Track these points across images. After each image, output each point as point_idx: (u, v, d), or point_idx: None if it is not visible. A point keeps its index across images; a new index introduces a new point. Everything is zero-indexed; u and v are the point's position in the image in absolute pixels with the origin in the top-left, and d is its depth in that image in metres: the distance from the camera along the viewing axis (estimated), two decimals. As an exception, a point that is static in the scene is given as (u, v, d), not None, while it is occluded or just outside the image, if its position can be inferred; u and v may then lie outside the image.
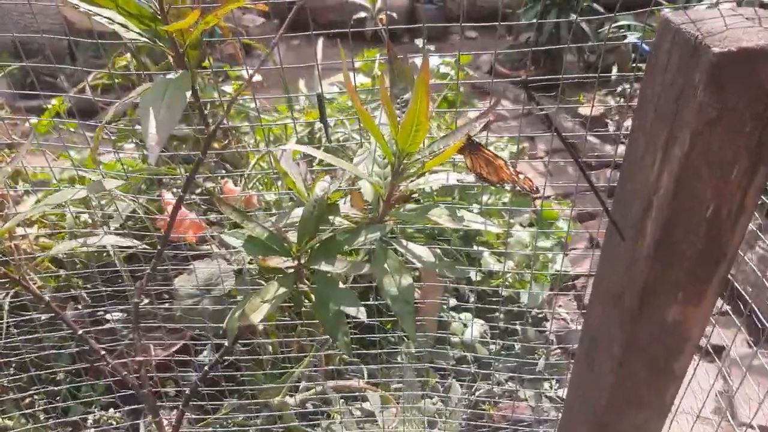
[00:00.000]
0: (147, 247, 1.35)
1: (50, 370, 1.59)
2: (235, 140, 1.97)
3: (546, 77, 0.81)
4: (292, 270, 0.69)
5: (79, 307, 1.65)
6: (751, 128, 0.51)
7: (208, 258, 1.41)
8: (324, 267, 0.66)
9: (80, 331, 0.93)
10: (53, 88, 3.73)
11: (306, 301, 0.88)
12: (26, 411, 1.57)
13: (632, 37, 3.54)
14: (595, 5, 3.72)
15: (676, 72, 0.55)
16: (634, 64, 3.85)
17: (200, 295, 1.33)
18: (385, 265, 0.67)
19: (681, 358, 0.68)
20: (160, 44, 0.66)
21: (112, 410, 1.64)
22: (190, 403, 1.62)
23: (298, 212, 0.70)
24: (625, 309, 0.66)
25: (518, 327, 1.87)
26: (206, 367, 0.89)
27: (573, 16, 3.59)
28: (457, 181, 0.74)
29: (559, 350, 2.04)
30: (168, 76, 0.62)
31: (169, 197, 1.47)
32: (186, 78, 0.62)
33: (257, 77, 2.30)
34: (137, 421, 1.68)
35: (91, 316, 1.65)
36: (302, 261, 0.68)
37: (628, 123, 3.48)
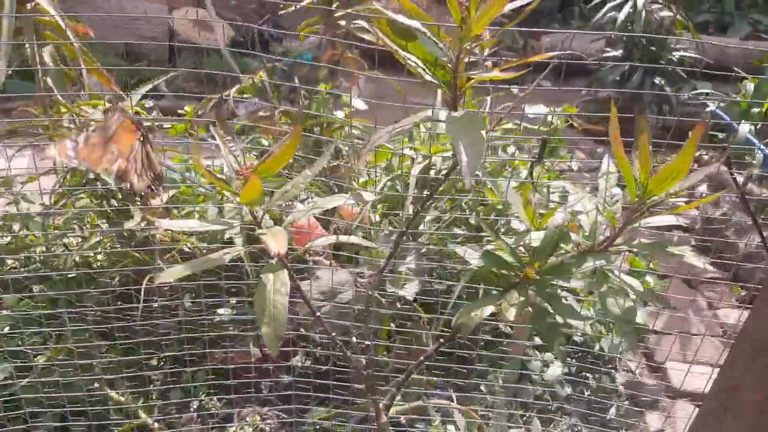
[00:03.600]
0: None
1: (163, 353, 1.72)
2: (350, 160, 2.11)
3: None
4: (517, 282, 0.80)
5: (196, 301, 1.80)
6: None
7: (331, 267, 1.53)
8: (560, 282, 0.77)
9: (317, 313, 1.02)
10: (154, 90, 3.99)
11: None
12: (137, 389, 1.71)
13: (714, 106, 3.61)
14: (678, 70, 3.80)
15: None
16: (711, 132, 3.90)
17: (325, 301, 1.45)
18: (606, 288, 0.78)
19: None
20: (446, 88, 0.80)
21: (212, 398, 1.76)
22: (277, 405, 1.73)
23: (535, 235, 0.83)
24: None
25: (590, 375, 1.93)
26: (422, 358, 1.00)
27: (657, 80, 3.68)
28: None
29: (628, 401, 2.09)
30: (456, 114, 0.76)
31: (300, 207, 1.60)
32: (479, 120, 0.75)
33: (362, 105, 2.46)
34: (232, 410, 1.80)
35: (207, 309, 1.79)
36: (535, 276, 0.80)
37: (702, 189, 3.53)
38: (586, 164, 3.58)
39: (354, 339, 1.10)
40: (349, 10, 2.18)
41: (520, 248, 0.83)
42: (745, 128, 3.42)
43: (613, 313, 0.77)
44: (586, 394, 1.96)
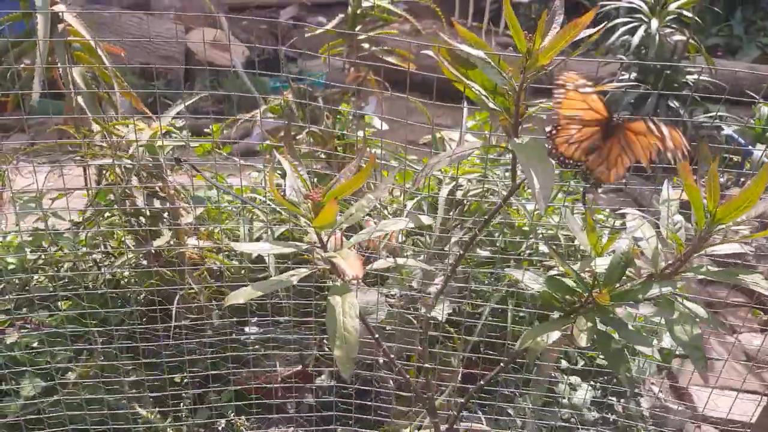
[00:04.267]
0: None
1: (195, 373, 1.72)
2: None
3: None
4: (580, 307, 0.81)
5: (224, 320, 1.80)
6: None
7: (363, 287, 1.54)
8: (630, 309, 0.78)
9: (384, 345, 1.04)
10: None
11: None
12: (165, 408, 1.70)
13: (729, 130, 3.63)
14: (693, 94, 3.82)
15: None
16: (726, 155, 3.91)
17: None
18: (675, 315, 0.79)
19: None
20: (506, 115, 0.81)
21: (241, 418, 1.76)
22: (303, 426, 1.72)
23: (601, 261, 0.84)
24: None
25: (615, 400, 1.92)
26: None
27: (671, 103, 3.71)
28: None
29: (654, 428, 2.07)
30: (520, 141, 0.77)
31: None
32: (544, 148, 0.76)
33: (384, 125, 2.48)
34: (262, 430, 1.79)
35: (232, 327, 1.79)
36: (601, 299, 0.81)
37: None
38: (606, 186, 3.59)
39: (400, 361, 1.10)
40: (375, 33, 2.21)
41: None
42: (759, 152, 3.44)
43: (682, 340, 0.78)
44: (611, 417, 1.94)
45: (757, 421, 1.05)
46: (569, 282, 0.83)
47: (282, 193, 0.81)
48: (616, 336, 0.80)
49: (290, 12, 7.40)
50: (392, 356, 1.01)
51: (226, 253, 1.93)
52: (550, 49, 0.76)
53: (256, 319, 1.86)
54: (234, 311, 1.80)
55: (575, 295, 0.84)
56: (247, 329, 1.80)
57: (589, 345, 0.78)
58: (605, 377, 2.02)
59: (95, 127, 1.77)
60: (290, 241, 1.78)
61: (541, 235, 1.89)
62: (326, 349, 1.94)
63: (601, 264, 0.83)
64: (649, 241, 0.83)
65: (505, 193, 1.79)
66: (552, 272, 0.87)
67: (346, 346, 0.72)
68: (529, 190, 2.00)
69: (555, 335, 0.81)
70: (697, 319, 0.80)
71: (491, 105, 0.80)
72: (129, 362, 1.75)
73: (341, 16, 2.16)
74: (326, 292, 0.91)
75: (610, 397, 1.95)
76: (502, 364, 1.05)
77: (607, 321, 0.80)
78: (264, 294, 0.78)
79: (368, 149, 1.96)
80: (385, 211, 1.93)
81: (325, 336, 1.79)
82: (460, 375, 1.61)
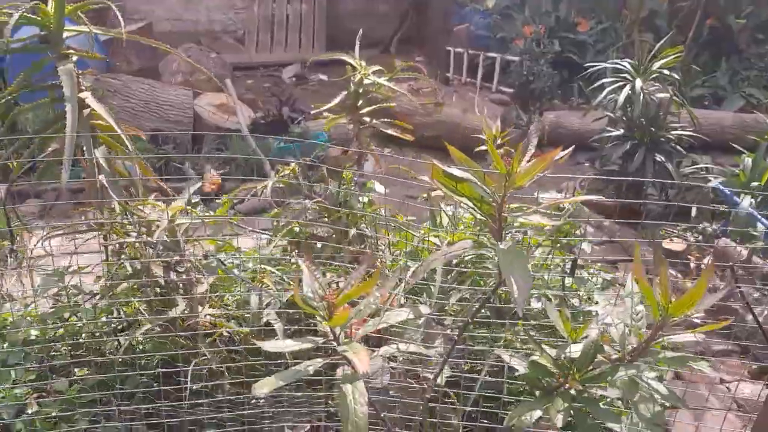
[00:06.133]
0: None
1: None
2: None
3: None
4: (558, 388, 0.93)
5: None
6: None
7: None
8: (600, 391, 0.89)
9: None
10: (180, 173, 4.21)
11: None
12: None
13: (715, 181, 3.78)
14: (678, 147, 4.00)
15: None
16: (713, 206, 4.05)
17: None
18: (636, 396, 0.90)
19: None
20: (491, 221, 0.95)
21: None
22: None
23: (575, 347, 0.96)
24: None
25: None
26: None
27: (658, 157, 3.88)
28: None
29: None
30: (503, 246, 0.90)
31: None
32: (522, 254, 0.89)
33: (381, 189, 2.63)
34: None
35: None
36: (577, 385, 0.93)
37: (707, 260, 3.65)
38: (597, 236, 3.72)
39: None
40: (376, 106, 2.39)
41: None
42: (746, 202, 3.58)
43: (645, 417, 0.89)
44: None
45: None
46: (548, 365, 0.95)
47: (300, 294, 0.94)
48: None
49: (292, 70, 7.71)
50: (392, 428, 1.11)
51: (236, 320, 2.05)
52: (526, 175, 0.91)
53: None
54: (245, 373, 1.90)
55: (554, 376, 0.96)
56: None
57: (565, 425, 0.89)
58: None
59: (117, 207, 1.91)
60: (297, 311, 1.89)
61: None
62: (332, 410, 2.03)
63: (576, 350, 0.95)
64: (617, 327, 0.96)
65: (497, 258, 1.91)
66: (534, 357, 0.99)
67: (357, 430, 0.84)
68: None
69: (537, 413, 0.92)
70: (658, 398, 0.91)
71: (478, 216, 0.94)
72: (138, 424, 1.84)
73: (344, 93, 2.33)
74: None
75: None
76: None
77: (582, 401, 0.91)
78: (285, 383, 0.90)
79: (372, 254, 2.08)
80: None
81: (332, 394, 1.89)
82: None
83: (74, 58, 2.04)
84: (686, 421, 2.40)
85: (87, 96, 2.07)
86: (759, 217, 3.50)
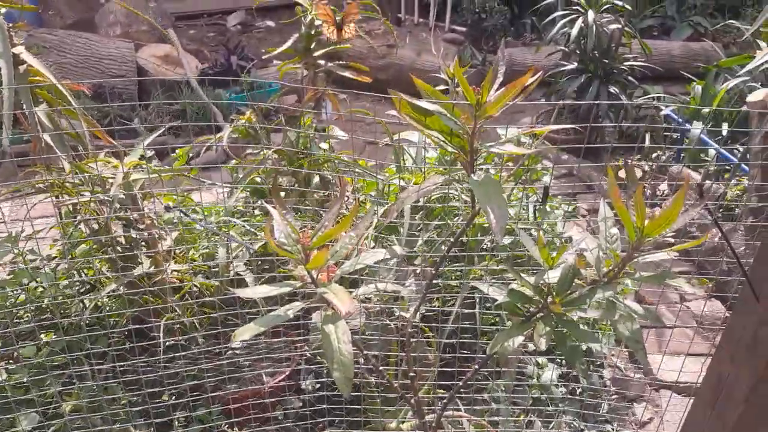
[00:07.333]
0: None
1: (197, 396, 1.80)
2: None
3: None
4: (538, 313, 0.94)
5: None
6: None
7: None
8: (581, 314, 0.91)
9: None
10: (129, 128, 4.03)
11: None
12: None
13: (667, 110, 3.86)
14: (630, 78, 4.04)
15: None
16: (666, 134, 4.14)
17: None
18: (616, 316, 0.92)
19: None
20: (463, 154, 0.93)
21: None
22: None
23: (552, 273, 0.97)
24: (757, 356, 0.90)
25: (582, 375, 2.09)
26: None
27: (612, 89, 3.91)
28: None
29: (616, 396, 2.25)
30: (476, 178, 0.89)
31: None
32: (497, 184, 0.88)
33: (343, 135, 2.59)
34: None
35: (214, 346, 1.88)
36: (555, 308, 0.94)
37: (662, 187, 3.76)
38: (557, 170, 3.78)
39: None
40: (329, 48, 2.31)
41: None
42: (697, 129, 3.67)
43: (624, 335, 0.92)
44: (578, 392, 2.11)
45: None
46: (527, 292, 0.97)
47: (274, 239, 0.91)
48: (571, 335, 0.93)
49: (237, 17, 7.39)
50: (376, 364, 1.12)
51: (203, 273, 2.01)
52: (497, 103, 0.89)
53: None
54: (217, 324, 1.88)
55: (533, 303, 0.97)
56: (233, 344, 1.89)
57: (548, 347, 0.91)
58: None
59: (65, 165, 1.82)
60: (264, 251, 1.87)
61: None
62: (308, 354, 2.05)
63: (554, 276, 0.96)
64: (592, 252, 0.97)
65: (464, 196, 1.92)
66: (513, 285, 1.00)
67: (344, 368, 0.83)
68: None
69: (519, 339, 0.94)
70: (636, 316, 0.94)
71: (450, 148, 0.92)
72: (113, 382, 1.81)
73: (296, 36, 2.25)
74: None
75: (574, 373, 2.12)
76: (475, 366, 1.17)
77: (562, 324, 0.93)
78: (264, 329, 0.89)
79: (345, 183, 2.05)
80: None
81: (308, 338, 1.90)
82: (436, 372, 1.74)
83: (2, 9, 1.89)
84: (651, 339, 2.52)
85: (21, 51, 1.93)
86: (710, 142, 3.61)
